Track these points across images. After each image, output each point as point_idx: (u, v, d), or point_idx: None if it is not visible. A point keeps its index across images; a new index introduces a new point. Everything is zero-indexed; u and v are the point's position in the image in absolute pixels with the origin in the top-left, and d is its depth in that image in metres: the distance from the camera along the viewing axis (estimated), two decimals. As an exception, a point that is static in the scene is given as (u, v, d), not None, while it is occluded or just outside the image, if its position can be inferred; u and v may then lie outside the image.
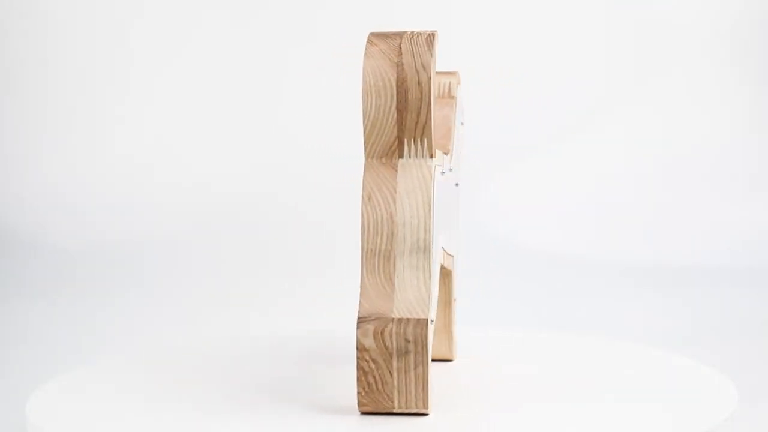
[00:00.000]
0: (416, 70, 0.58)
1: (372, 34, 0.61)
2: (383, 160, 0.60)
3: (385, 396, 0.57)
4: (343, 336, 0.83)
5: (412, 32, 0.60)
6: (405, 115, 0.58)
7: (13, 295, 1.37)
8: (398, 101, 0.58)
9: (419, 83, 0.58)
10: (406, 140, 0.59)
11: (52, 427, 0.61)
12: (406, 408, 0.57)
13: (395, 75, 0.58)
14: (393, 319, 0.57)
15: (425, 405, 0.57)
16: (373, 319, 0.57)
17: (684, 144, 1.65)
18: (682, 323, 1.13)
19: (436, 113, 0.73)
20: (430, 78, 0.58)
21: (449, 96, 0.74)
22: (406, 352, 0.57)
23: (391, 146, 0.59)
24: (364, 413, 0.58)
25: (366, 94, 0.59)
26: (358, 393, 0.58)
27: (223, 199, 1.63)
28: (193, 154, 1.68)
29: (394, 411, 0.58)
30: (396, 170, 0.59)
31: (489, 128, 1.53)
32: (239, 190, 1.64)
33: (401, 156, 0.59)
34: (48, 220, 1.61)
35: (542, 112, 1.70)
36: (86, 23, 1.75)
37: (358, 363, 0.57)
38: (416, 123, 0.59)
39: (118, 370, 0.76)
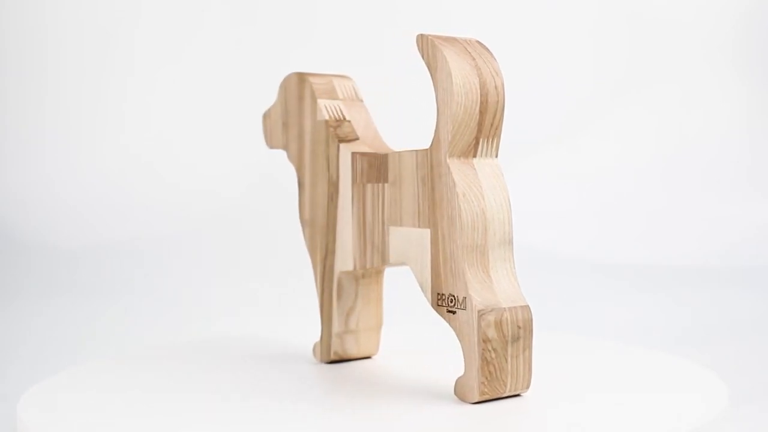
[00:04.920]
0: (491, 75, 0.61)
1: (432, 35, 0.62)
2: (461, 159, 0.61)
3: (501, 382, 0.60)
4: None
5: (460, 38, 0.63)
6: (485, 117, 0.61)
7: (13, 294, 1.34)
8: (481, 103, 0.61)
9: (496, 87, 0.61)
10: (481, 140, 0.62)
11: (45, 425, 0.59)
12: (514, 390, 0.61)
13: (477, 78, 0.61)
14: (505, 308, 0.60)
15: (529, 385, 0.61)
16: (490, 311, 0.59)
17: (679, 147, 1.74)
18: (675, 323, 1.14)
19: (356, 116, 0.74)
20: (503, 83, 0.62)
21: (357, 99, 0.76)
22: (518, 338, 0.60)
23: (469, 145, 0.61)
24: (478, 402, 0.60)
25: (457, 95, 0.60)
26: (481, 383, 0.59)
27: (223, 200, 1.62)
28: (192, 155, 1.69)
29: (503, 395, 0.60)
30: (474, 169, 0.61)
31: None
32: (239, 190, 1.64)
33: (474, 155, 0.62)
34: (48, 220, 1.55)
35: (536, 115, 1.73)
36: (87, 24, 1.74)
37: (482, 354, 0.59)
38: (492, 124, 0.61)
39: (111, 370, 0.73)
